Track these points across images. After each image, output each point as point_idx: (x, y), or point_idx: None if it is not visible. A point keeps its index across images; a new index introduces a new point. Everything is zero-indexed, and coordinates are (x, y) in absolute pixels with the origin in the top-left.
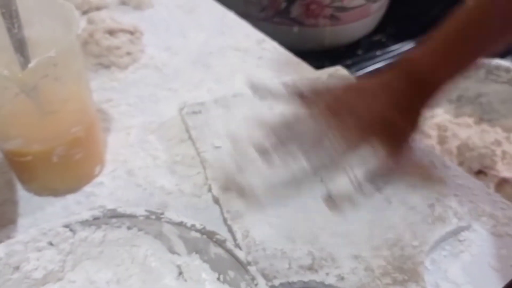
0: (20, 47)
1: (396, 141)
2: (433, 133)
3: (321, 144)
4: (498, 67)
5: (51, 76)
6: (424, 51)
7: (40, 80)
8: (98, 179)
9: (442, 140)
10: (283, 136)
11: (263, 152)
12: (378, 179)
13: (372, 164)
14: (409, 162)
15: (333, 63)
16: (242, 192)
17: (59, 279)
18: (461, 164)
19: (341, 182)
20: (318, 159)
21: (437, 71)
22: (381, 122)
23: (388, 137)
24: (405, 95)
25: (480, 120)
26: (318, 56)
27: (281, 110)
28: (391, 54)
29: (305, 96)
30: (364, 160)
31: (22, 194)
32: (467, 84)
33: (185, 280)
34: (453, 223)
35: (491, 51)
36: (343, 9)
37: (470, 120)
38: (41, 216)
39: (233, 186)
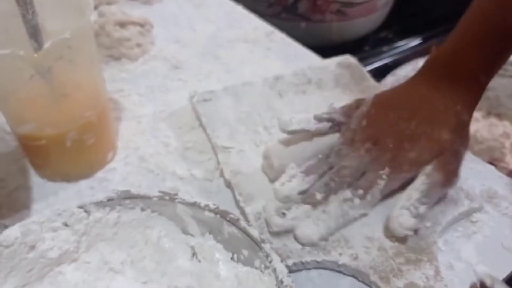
0: (35, 33)
1: (453, 165)
2: None
3: (374, 181)
4: None
5: (66, 58)
6: (450, 46)
7: (55, 62)
8: (110, 165)
9: None
10: (329, 179)
11: (314, 202)
12: (431, 200)
13: (423, 186)
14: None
15: None
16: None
17: (74, 260)
18: None
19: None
20: (373, 197)
21: (473, 63)
22: (435, 148)
23: (444, 162)
24: (449, 107)
25: (488, 114)
26: (326, 52)
27: (290, 98)
28: (398, 50)
29: (339, 122)
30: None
31: (36, 180)
32: None
33: (199, 261)
34: (465, 204)
35: None
36: (350, 4)
37: (478, 114)
38: (54, 201)
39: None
